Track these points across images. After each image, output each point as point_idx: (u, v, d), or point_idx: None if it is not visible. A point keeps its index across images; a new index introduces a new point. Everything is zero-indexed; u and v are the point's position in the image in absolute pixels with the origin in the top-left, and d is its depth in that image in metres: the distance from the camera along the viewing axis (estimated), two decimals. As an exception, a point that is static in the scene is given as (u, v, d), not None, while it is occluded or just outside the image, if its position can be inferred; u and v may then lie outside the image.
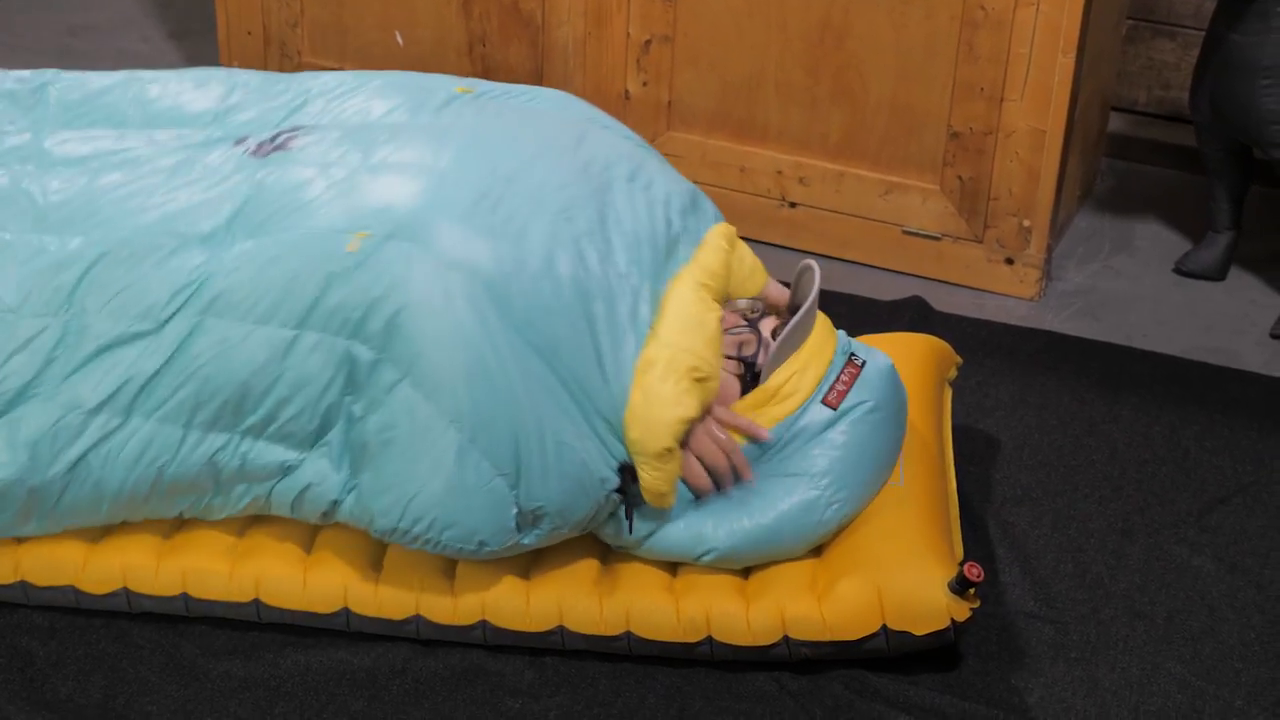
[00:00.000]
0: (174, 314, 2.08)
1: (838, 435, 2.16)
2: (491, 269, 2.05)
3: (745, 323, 2.23)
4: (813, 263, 2.22)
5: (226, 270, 2.09)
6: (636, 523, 2.14)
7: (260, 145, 2.24)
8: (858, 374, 2.17)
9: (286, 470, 2.13)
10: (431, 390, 2.03)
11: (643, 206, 2.20)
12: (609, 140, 2.30)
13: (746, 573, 2.19)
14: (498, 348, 2.02)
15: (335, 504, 2.14)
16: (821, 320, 2.22)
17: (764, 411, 2.16)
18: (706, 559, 2.17)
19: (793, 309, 2.28)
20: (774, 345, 2.16)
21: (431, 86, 2.35)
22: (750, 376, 2.18)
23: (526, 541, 2.11)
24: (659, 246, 2.17)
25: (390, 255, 2.05)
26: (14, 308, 2.12)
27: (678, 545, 2.17)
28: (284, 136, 2.25)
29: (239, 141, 2.27)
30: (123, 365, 2.09)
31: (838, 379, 2.17)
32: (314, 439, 2.11)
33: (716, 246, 2.24)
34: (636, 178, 2.24)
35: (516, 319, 2.04)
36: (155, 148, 2.29)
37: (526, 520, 2.09)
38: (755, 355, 2.19)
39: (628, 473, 2.10)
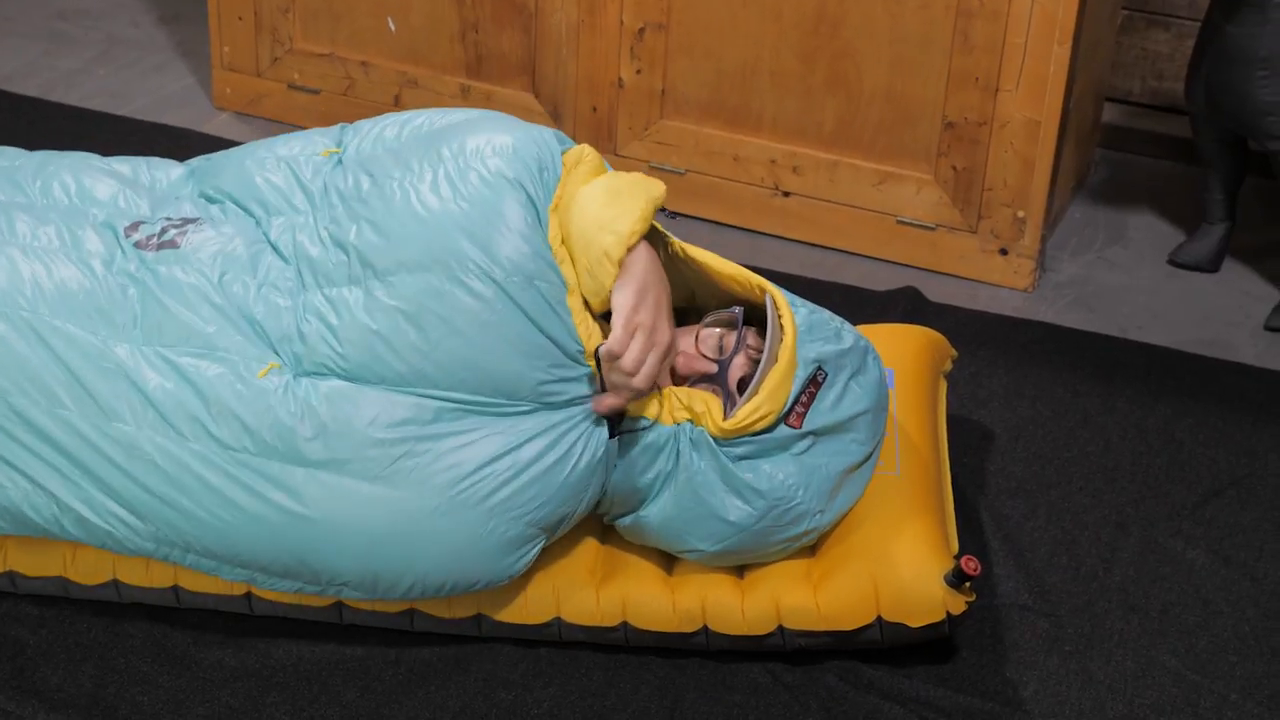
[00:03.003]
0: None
1: (807, 457, 2.10)
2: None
3: (717, 362, 2.11)
4: (768, 294, 2.13)
5: None
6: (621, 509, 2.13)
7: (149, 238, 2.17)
8: (817, 392, 2.08)
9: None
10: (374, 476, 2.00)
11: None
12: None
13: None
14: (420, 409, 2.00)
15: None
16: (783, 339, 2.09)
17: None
18: (691, 557, 2.15)
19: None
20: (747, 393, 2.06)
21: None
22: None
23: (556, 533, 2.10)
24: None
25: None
26: None
27: (663, 538, 2.14)
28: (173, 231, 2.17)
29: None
30: None
31: (798, 399, 2.07)
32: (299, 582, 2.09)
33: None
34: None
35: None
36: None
37: (552, 528, 2.07)
38: (724, 408, 2.09)
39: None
